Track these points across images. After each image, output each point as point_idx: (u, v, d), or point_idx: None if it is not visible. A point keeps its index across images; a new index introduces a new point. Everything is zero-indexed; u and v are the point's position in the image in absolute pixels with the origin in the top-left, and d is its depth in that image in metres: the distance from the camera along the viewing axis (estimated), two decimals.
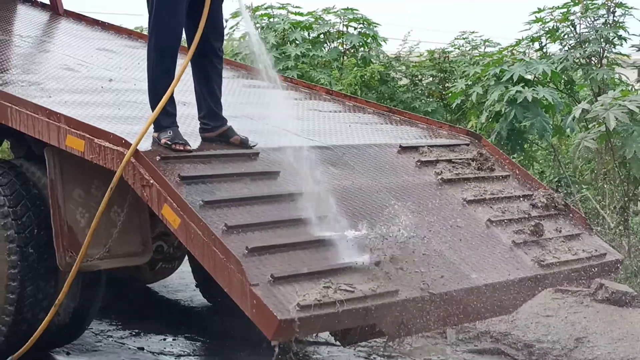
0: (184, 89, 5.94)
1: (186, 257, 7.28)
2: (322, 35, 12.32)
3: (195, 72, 5.61)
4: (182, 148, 5.26)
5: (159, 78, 5.39)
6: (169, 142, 5.26)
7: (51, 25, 9.00)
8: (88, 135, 5.27)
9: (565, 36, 9.96)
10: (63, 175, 5.56)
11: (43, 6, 9.44)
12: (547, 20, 9.99)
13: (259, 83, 8.00)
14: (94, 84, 6.68)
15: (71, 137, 5.36)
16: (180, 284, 8.27)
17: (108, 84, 6.66)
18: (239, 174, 5.21)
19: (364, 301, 4.60)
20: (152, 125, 5.33)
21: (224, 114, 5.67)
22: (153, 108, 5.37)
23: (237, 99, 7.07)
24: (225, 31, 10.50)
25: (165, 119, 5.33)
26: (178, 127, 5.42)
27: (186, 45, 5.57)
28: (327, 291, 4.54)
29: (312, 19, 12.34)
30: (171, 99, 5.36)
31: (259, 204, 4.98)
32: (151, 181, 4.87)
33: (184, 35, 5.55)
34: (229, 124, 5.61)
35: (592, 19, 9.77)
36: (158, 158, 5.03)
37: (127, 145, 5.05)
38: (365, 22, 12.18)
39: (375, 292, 4.66)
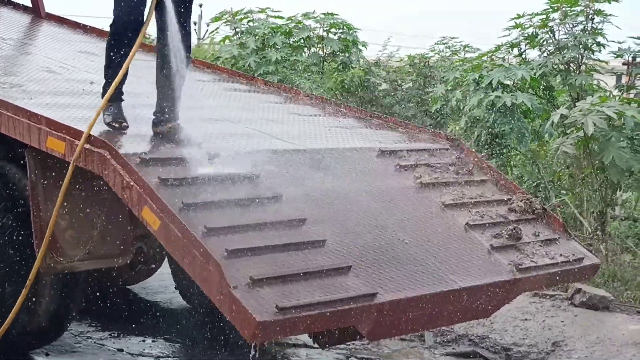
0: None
1: (166, 259, 7.27)
2: (302, 41, 12.35)
3: (157, 67, 5.70)
4: (117, 125, 5.48)
5: (113, 55, 5.55)
6: (108, 120, 5.51)
7: (33, 28, 8.98)
8: (69, 137, 5.27)
9: (544, 42, 10.02)
10: (43, 177, 5.56)
11: (25, 9, 9.42)
12: (526, 26, 10.06)
13: (240, 87, 8.02)
14: (75, 86, 6.67)
15: (52, 139, 5.35)
16: (160, 286, 8.26)
17: (89, 87, 6.65)
18: (219, 176, 5.21)
19: (342, 303, 4.61)
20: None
21: (204, 116, 5.70)
22: (106, 78, 5.61)
23: (217, 102, 7.08)
24: (206, 35, 10.48)
25: (112, 96, 5.52)
26: (122, 100, 5.63)
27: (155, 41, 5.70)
28: (306, 293, 4.55)
29: (292, 24, 12.36)
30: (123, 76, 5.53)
31: (239, 207, 4.99)
32: (131, 183, 4.87)
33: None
34: (178, 121, 5.66)
35: (571, 26, 9.84)
36: (138, 160, 5.03)
37: (108, 147, 5.05)
38: (345, 27, 12.22)
39: (354, 294, 4.68)
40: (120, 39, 5.54)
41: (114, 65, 5.56)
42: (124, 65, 5.42)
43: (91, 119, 5.57)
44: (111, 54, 5.61)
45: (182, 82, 5.65)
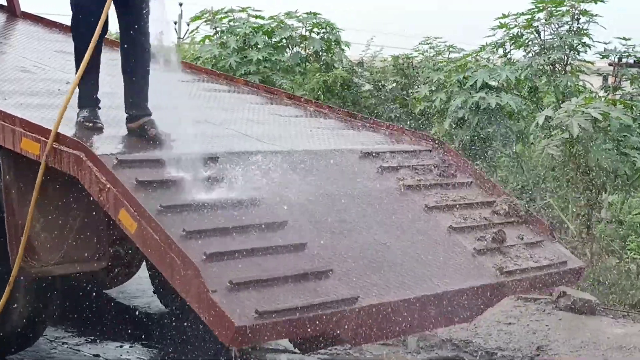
0: None
1: (144, 263, 7.25)
2: (284, 40, 12.33)
3: (121, 60, 5.75)
4: (90, 125, 5.55)
5: (79, 55, 5.61)
6: (81, 120, 5.59)
7: (8, 26, 8.94)
8: (43, 139, 5.25)
9: (530, 42, 10.02)
10: (18, 179, 5.53)
11: (0, 7, 9.37)
12: (511, 26, 10.06)
13: (221, 87, 8.01)
14: (50, 86, 6.64)
15: (26, 140, 5.33)
16: (138, 290, 8.24)
17: (65, 87, 6.62)
18: (199, 178, 5.20)
19: (323, 308, 4.62)
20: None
21: (183, 117, 5.70)
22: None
23: (197, 103, 7.06)
24: (186, 35, 10.48)
25: (84, 98, 5.65)
26: (98, 107, 5.71)
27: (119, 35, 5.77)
28: (286, 297, 4.55)
29: (274, 24, 12.35)
30: (92, 80, 5.63)
31: (218, 209, 4.98)
32: (108, 185, 4.86)
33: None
34: (152, 117, 5.68)
35: (556, 26, 9.85)
36: (115, 161, 5.01)
37: (83, 148, 5.03)
38: (328, 27, 12.21)
39: (336, 298, 4.69)
40: (83, 33, 5.58)
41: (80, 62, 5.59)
42: (85, 59, 5.44)
43: (68, 120, 5.56)
44: (77, 49, 5.69)
45: (148, 75, 5.68)
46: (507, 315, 7.61)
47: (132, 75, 5.70)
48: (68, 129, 5.41)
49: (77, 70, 5.64)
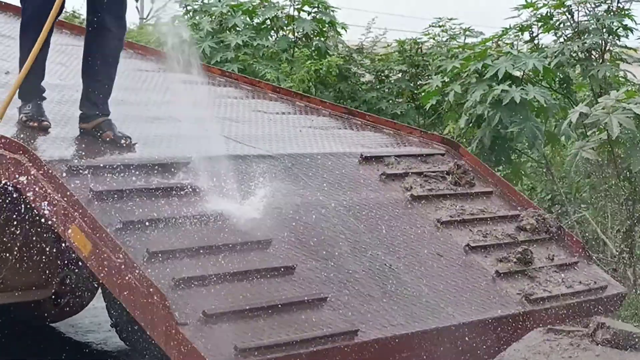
0: None
1: (99, 291, 7.23)
2: (268, 21, 12.35)
3: (83, 48, 5.74)
4: (35, 125, 5.50)
5: (25, 43, 5.58)
6: (24, 118, 5.54)
7: None
8: None
9: (561, 25, 10.06)
10: None
11: None
12: (539, 5, 10.09)
13: (192, 78, 8.00)
14: None
15: None
16: (92, 323, 8.22)
17: (4, 78, 6.61)
18: (165, 188, 5.19)
19: (316, 343, 4.61)
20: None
21: (146, 114, 5.69)
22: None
23: (162, 97, 7.06)
24: (150, 14, 10.49)
25: (28, 90, 5.58)
26: (43, 100, 5.66)
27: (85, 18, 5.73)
28: (271, 331, 4.54)
29: (256, 1, 12.36)
30: (39, 69, 5.56)
31: (189, 225, 4.97)
32: (55, 196, 4.83)
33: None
34: (110, 116, 5.68)
35: (593, 5, 9.88)
36: (65, 167, 5.00)
37: (26, 151, 5.01)
38: (321, 6, 12.23)
39: (331, 332, 4.68)
40: (37, 19, 5.50)
41: (27, 53, 5.52)
42: (38, 41, 5.40)
43: (7, 117, 5.54)
44: (24, 39, 5.61)
45: (114, 69, 5.65)
46: (535, 351, 7.61)
47: (95, 68, 5.66)
48: (8, 128, 5.38)
49: (21, 56, 5.61)
